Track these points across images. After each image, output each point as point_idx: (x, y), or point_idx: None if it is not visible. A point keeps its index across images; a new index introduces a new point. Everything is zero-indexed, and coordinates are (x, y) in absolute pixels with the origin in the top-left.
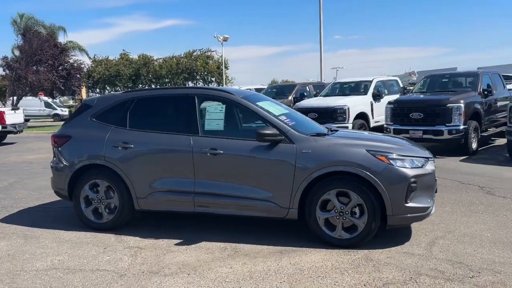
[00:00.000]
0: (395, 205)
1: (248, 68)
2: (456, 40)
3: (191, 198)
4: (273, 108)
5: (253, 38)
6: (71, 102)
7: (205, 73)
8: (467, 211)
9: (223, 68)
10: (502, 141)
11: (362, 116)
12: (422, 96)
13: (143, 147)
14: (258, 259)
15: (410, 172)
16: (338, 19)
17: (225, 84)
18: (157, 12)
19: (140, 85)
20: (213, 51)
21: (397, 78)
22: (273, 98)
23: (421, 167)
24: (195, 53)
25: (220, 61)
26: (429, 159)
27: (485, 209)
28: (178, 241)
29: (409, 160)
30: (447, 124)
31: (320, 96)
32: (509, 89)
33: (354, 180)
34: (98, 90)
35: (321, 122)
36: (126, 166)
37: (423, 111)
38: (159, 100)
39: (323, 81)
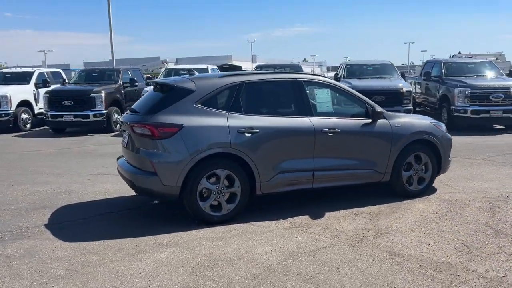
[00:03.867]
0: (446, 161)
1: None
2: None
3: (311, 175)
4: None
5: None
6: None
7: None
8: None
9: None
10: None
11: (25, 103)
12: (71, 87)
13: (269, 131)
14: (396, 214)
15: (450, 135)
16: None
17: None
18: None
19: None
20: None
21: (60, 70)
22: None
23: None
24: None
25: None
26: None
27: None
28: (305, 216)
29: (444, 127)
30: (92, 109)
31: None
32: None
33: (424, 145)
34: None
35: None
36: (252, 151)
37: (73, 99)
38: (268, 85)
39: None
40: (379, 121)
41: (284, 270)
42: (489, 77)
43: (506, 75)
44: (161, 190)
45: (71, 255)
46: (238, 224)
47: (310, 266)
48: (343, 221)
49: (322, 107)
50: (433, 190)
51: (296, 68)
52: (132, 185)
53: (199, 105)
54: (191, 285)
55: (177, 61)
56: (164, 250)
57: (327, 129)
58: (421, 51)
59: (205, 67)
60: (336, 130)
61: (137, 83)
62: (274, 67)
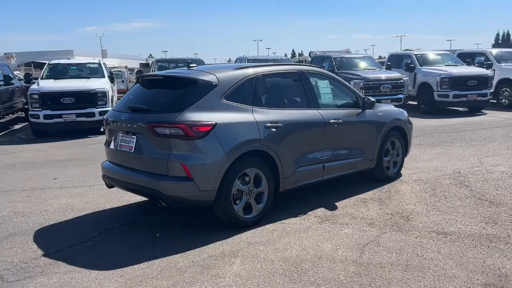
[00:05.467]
0: (410, 142)
1: None
2: None
3: (322, 167)
4: None
5: None
6: None
7: None
8: None
9: None
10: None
11: None
12: None
13: (289, 125)
14: (396, 197)
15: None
16: None
17: None
18: None
19: None
20: None
21: None
22: None
23: None
24: None
25: None
26: None
27: None
28: (321, 209)
29: (406, 113)
30: None
31: None
32: (20, 79)
33: (397, 131)
34: None
35: None
36: (278, 147)
37: None
38: (279, 76)
39: None
40: (366, 111)
41: (375, 263)
42: (376, 70)
43: (385, 69)
44: (196, 196)
45: (129, 285)
46: (269, 225)
47: (391, 255)
48: (359, 209)
49: (325, 98)
50: (405, 171)
51: (199, 63)
52: (154, 194)
53: (225, 100)
54: None
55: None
56: (229, 261)
57: (334, 120)
58: (266, 48)
59: (97, 61)
60: (340, 121)
61: (13, 81)
62: (176, 62)
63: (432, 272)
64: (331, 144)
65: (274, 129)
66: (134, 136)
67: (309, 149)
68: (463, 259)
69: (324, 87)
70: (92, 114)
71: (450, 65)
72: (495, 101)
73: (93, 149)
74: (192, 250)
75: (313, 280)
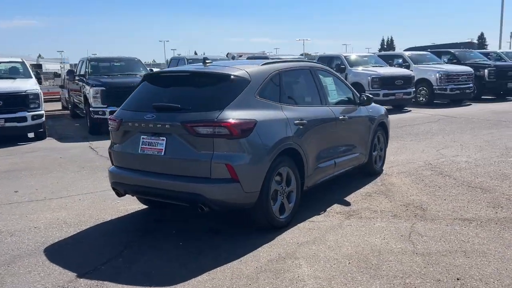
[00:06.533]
0: (388, 134)
1: None
2: None
3: (333, 163)
4: None
5: None
6: None
7: None
8: None
9: None
10: None
11: None
12: None
13: (312, 122)
14: (393, 189)
15: None
16: None
17: None
18: None
19: None
20: None
21: None
22: None
23: None
24: None
25: None
26: None
27: None
28: (336, 205)
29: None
30: None
31: None
32: None
33: (381, 126)
34: None
35: None
36: (304, 144)
37: None
38: (296, 73)
39: None
40: (361, 107)
41: (435, 252)
42: None
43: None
44: (239, 199)
45: None
46: (300, 224)
47: (442, 244)
48: (371, 202)
49: (331, 95)
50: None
51: (136, 62)
52: (195, 199)
53: (258, 97)
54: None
55: None
56: (294, 264)
57: (342, 117)
58: (171, 49)
59: (20, 59)
60: (346, 117)
61: None
62: (111, 61)
63: (492, 256)
64: (339, 140)
65: (301, 127)
66: (164, 138)
67: (325, 146)
68: (505, 241)
69: (330, 84)
70: (24, 119)
71: (376, 66)
72: (414, 100)
73: (37, 157)
74: (245, 256)
75: (393, 274)
